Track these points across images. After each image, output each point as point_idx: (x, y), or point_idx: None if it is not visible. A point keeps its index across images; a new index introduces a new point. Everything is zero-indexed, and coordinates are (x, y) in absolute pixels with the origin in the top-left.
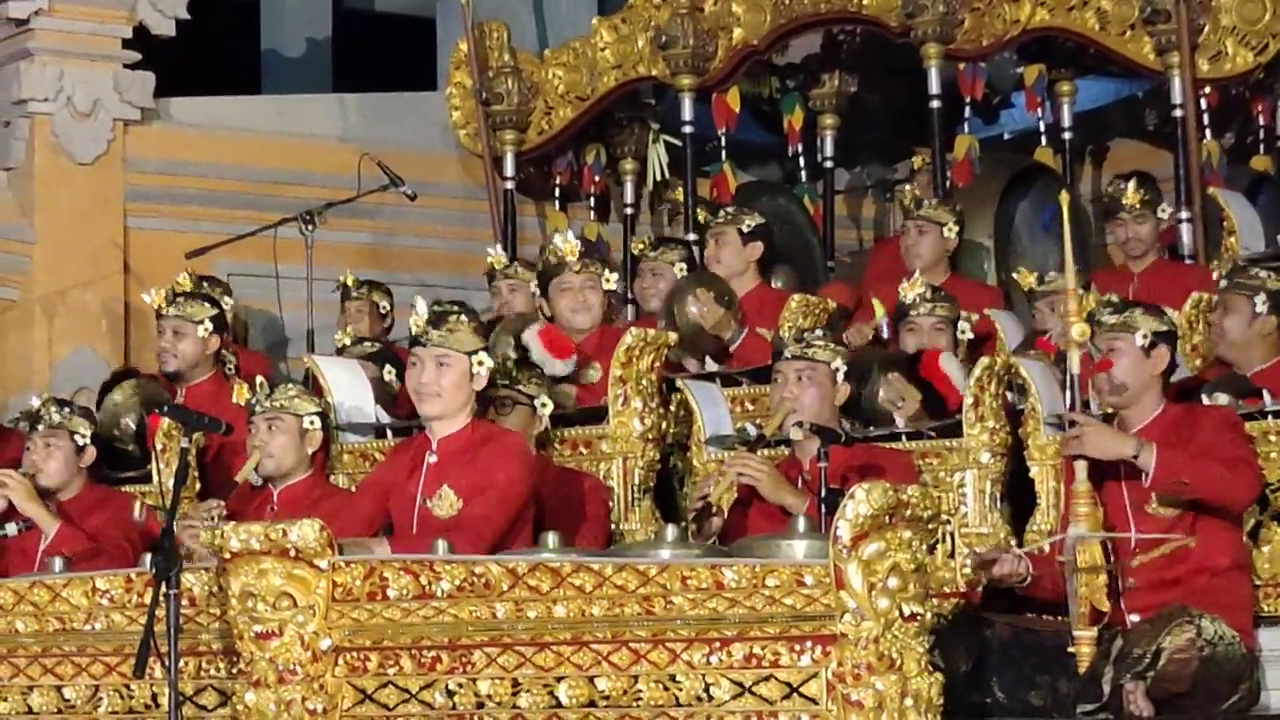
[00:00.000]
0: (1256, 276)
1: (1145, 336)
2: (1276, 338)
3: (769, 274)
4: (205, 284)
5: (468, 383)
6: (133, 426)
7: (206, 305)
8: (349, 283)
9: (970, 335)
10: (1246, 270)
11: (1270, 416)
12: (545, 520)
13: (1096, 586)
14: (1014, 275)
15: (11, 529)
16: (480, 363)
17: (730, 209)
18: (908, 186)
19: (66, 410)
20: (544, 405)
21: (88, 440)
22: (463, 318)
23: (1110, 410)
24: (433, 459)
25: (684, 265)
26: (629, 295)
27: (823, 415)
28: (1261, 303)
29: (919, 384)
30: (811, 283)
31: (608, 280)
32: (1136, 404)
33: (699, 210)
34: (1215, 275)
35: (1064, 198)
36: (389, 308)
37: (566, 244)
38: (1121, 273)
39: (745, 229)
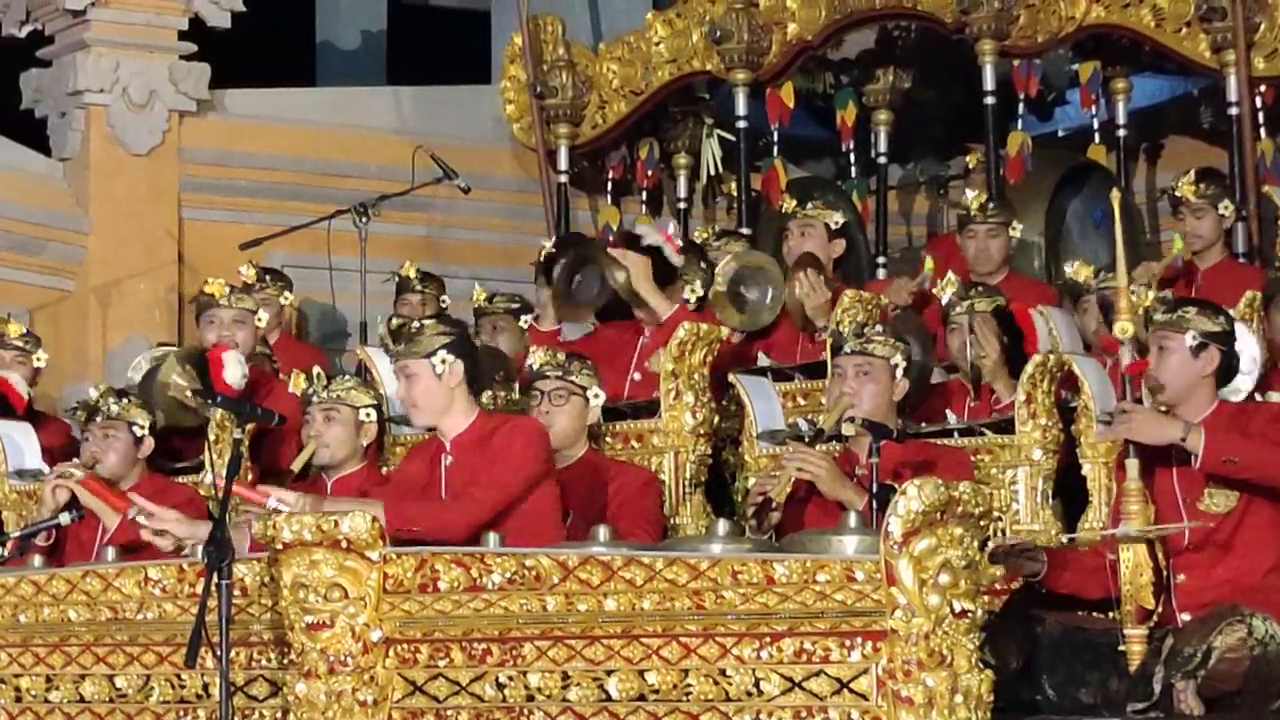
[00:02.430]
0: None
1: (1195, 337)
2: None
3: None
4: (267, 276)
5: (440, 383)
6: (183, 381)
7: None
8: (410, 274)
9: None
10: None
11: None
12: (597, 514)
13: (1141, 585)
14: (1067, 269)
15: (67, 518)
16: (443, 361)
17: (818, 201)
18: (967, 190)
19: (125, 401)
20: (596, 396)
21: (146, 431)
22: (415, 323)
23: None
24: (449, 460)
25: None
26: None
27: (880, 411)
28: None
29: (1012, 330)
30: (857, 280)
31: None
32: (1185, 403)
33: (786, 197)
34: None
35: (1115, 196)
36: (447, 302)
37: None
38: (1187, 267)
39: (834, 224)
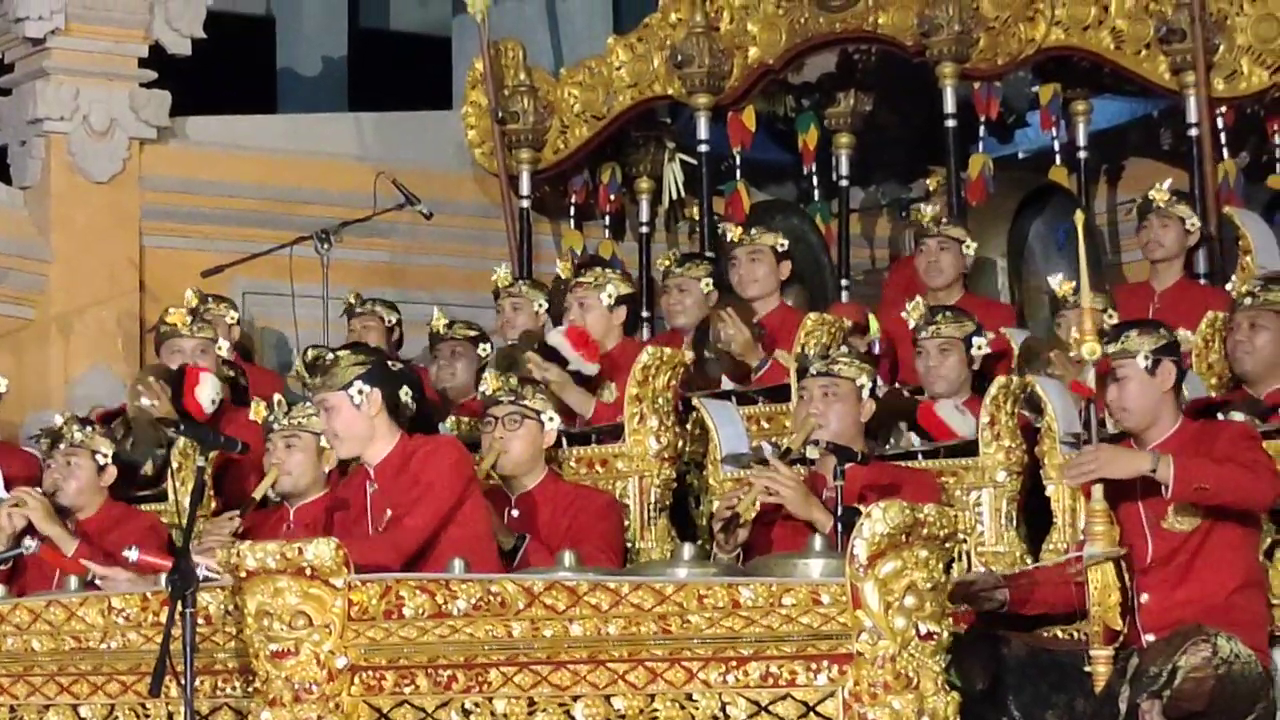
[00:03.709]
0: None
1: (1147, 356)
2: None
3: (784, 294)
4: (212, 300)
5: (360, 413)
6: (147, 400)
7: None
8: (352, 300)
9: (987, 350)
10: (1272, 287)
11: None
12: (557, 539)
13: (1110, 606)
14: (1049, 281)
15: (30, 546)
16: (359, 391)
17: (756, 227)
18: (924, 205)
19: (88, 429)
20: (551, 420)
21: (108, 460)
22: (329, 356)
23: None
24: (373, 488)
25: (710, 281)
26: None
27: (846, 433)
28: None
29: (920, 433)
30: (822, 302)
31: (609, 295)
32: (1153, 425)
33: (728, 227)
34: (1237, 291)
35: (1079, 217)
36: (395, 322)
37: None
38: (1143, 288)
39: (780, 248)
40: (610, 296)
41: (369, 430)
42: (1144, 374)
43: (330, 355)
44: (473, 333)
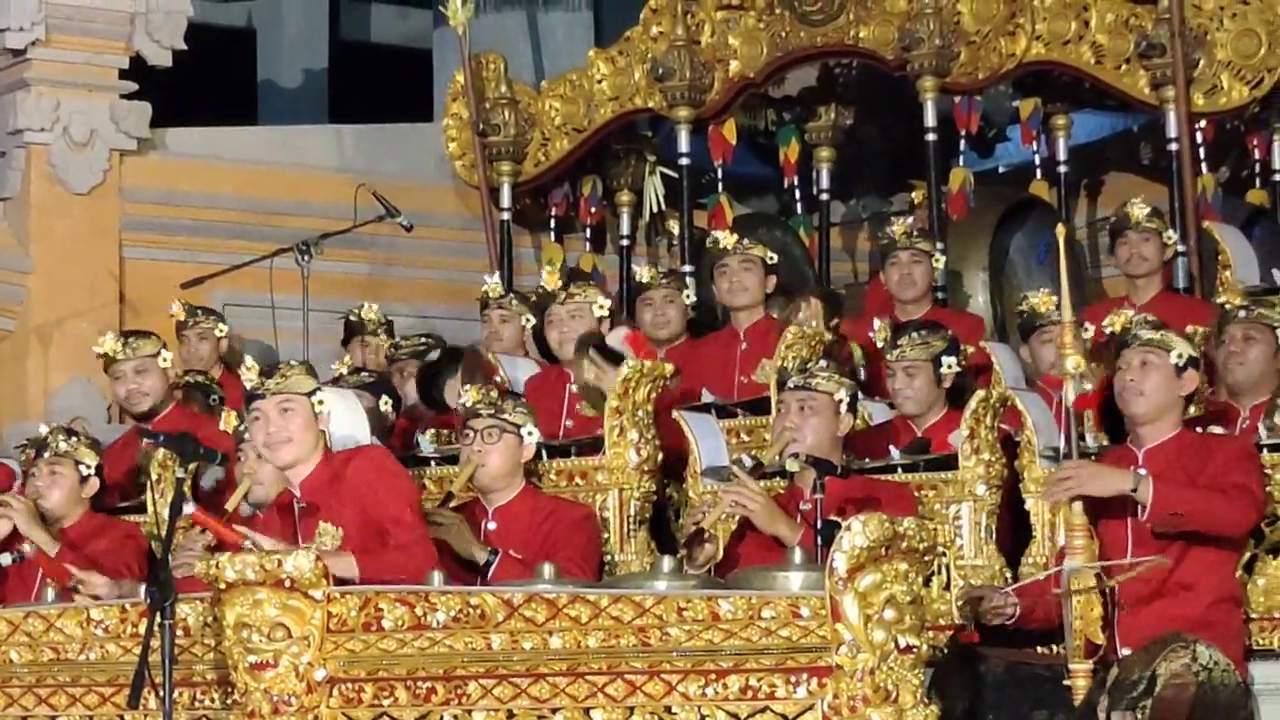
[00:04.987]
0: (1275, 308)
1: (1180, 356)
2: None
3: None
4: (199, 312)
5: (315, 423)
6: None
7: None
8: (371, 316)
9: (958, 370)
10: (1266, 301)
11: (1262, 450)
12: (535, 552)
13: (1091, 619)
14: (1026, 298)
15: (6, 559)
16: (320, 402)
17: (744, 239)
18: (897, 219)
19: (73, 439)
20: (530, 434)
21: (92, 470)
22: (291, 363)
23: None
24: (301, 506)
25: (689, 294)
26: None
27: (824, 446)
28: None
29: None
30: None
31: (600, 307)
32: (1156, 421)
33: (721, 234)
34: (1226, 304)
35: (1060, 231)
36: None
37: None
38: (1122, 304)
39: (770, 260)
40: (601, 307)
41: (314, 442)
42: (1172, 369)
43: (292, 362)
44: (422, 347)
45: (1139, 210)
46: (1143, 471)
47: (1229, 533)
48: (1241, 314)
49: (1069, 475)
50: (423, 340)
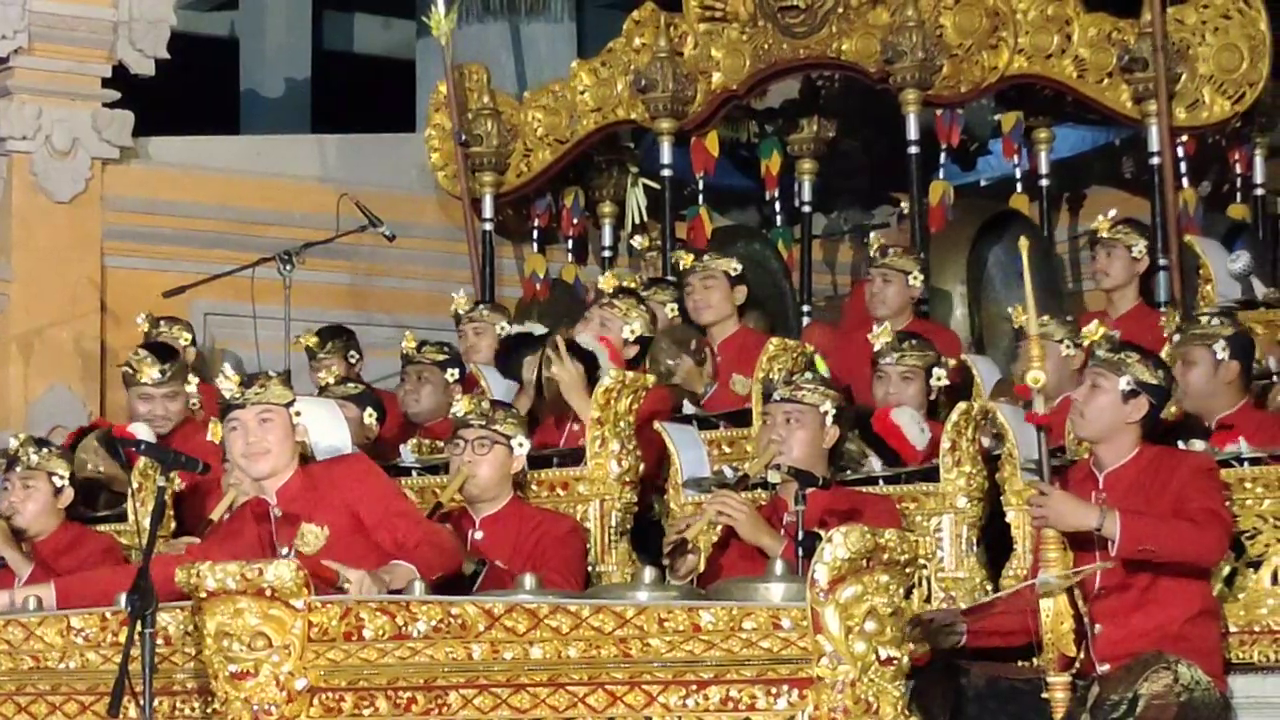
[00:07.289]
0: (1211, 324)
1: (1129, 382)
2: (1239, 383)
3: (744, 318)
4: (163, 323)
5: (292, 434)
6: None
7: None
8: (310, 344)
9: (945, 382)
10: (1199, 321)
11: (1243, 464)
12: (521, 563)
13: (1062, 633)
14: (1010, 311)
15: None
16: (298, 413)
17: (710, 252)
18: (873, 234)
19: (45, 451)
20: (520, 445)
21: (65, 482)
22: (270, 373)
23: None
24: (277, 513)
25: (675, 305)
26: None
27: (809, 458)
28: (1221, 349)
29: (874, 440)
30: (783, 328)
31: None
32: (1107, 443)
33: (680, 255)
34: (1166, 332)
35: (1023, 243)
36: (358, 356)
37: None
38: (1100, 317)
39: (733, 272)
40: (632, 333)
41: (291, 454)
42: (1118, 395)
43: (271, 373)
44: (442, 356)
45: (1105, 223)
46: (1108, 509)
47: (1203, 563)
48: (1176, 338)
49: (1040, 508)
50: (445, 348)
